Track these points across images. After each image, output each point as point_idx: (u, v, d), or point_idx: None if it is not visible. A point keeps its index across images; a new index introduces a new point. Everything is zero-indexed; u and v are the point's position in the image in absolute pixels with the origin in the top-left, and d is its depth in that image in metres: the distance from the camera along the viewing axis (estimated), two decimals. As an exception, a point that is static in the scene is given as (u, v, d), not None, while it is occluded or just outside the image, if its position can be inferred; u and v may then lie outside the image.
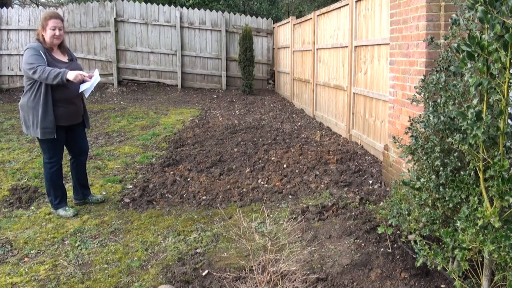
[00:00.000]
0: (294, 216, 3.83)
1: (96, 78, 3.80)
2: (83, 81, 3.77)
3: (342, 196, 4.29)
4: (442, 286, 2.70)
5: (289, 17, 12.72)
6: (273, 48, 13.47)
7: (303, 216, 3.82)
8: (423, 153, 2.68)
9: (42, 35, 3.84)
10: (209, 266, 3.04)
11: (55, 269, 3.11)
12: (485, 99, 1.99)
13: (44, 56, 3.76)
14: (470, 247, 2.13)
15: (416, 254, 2.93)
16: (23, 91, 3.93)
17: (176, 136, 7.19)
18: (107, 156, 6.08)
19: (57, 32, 3.84)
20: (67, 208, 4.09)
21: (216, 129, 7.72)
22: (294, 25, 10.53)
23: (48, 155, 3.97)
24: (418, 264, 2.45)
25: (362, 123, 6.24)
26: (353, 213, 3.79)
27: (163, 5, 13.32)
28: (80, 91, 3.90)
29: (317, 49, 8.52)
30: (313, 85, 8.80)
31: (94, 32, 12.93)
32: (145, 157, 5.98)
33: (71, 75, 3.65)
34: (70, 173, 4.37)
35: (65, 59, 3.99)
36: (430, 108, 2.64)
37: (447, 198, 2.45)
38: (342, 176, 4.92)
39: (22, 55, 12.40)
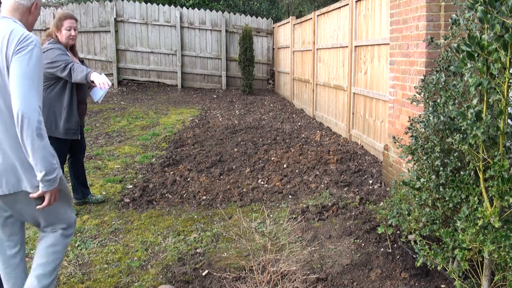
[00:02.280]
0: (294, 216, 3.83)
1: (108, 84, 3.73)
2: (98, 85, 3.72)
3: (342, 196, 4.29)
4: (442, 286, 2.70)
5: (289, 17, 12.73)
6: (273, 48, 13.47)
7: (303, 216, 3.82)
8: (423, 153, 2.68)
9: (56, 36, 3.78)
10: (209, 266, 3.04)
11: (55, 269, 3.11)
12: (485, 99, 2.00)
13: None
14: (470, 247, 2.13)
15: (416, 254, 2.93)
16: None
17: (176, 136, 7.19)
18: (107, 156, 6.08)
19: (72, 32, 3.79)
20: (67, 208, 4.08)
21: (216, 129, 7.72)
22: (294, 25, 10.53)
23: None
24: (418, 264, 2.45)
25: (362, 123, 6.24)
26: (353, 213, 3.79)
27: (163, 5, 13.32)
28: (96, 100, 3.90)
29: (317, 49, 8.52)
30: (313, 85, 8.80)
31: (94, 32, 12.94)
32: (145, 157, 5.98)
33: (95, 76, 3.58)
34: (68, 174, 4.37)
35: (77, 60, 3.98)
36: (430, 108, 2.64)
37: (447, 198, 2.45)
38: (342, 176, 4.92)
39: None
